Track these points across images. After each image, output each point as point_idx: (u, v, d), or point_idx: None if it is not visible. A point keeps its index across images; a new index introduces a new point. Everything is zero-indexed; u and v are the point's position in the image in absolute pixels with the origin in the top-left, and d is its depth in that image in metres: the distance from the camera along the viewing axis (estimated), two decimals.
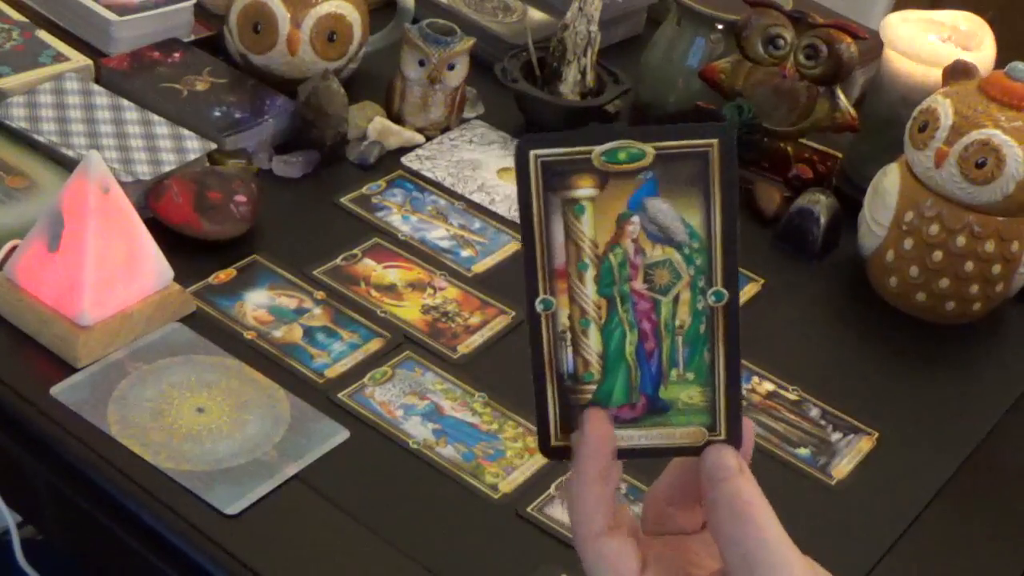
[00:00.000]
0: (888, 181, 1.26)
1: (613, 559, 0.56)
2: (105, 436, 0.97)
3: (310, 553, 0.93)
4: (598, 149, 0.53)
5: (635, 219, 0.54)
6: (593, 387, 0.56)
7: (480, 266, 1.23)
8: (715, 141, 0.53)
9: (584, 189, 0.54)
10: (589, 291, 0.55)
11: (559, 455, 0.57)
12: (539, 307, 0.55)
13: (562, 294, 0.55)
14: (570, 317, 0.56)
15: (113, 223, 1.03)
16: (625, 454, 0.57)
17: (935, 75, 1.29)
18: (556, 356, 0.56)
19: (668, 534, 0.59)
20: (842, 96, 1.36)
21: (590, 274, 0.55)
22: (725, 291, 0.55)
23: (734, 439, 0.56)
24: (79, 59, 1.31)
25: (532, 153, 0.54)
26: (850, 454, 1.11)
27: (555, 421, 0.57)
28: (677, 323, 0.55)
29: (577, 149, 0.54)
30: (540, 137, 0.54)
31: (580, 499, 0.56)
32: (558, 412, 0.57)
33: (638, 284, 0.55)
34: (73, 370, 1.02)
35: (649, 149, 0.53)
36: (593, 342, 0.56)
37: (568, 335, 0.56)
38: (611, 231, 0.54)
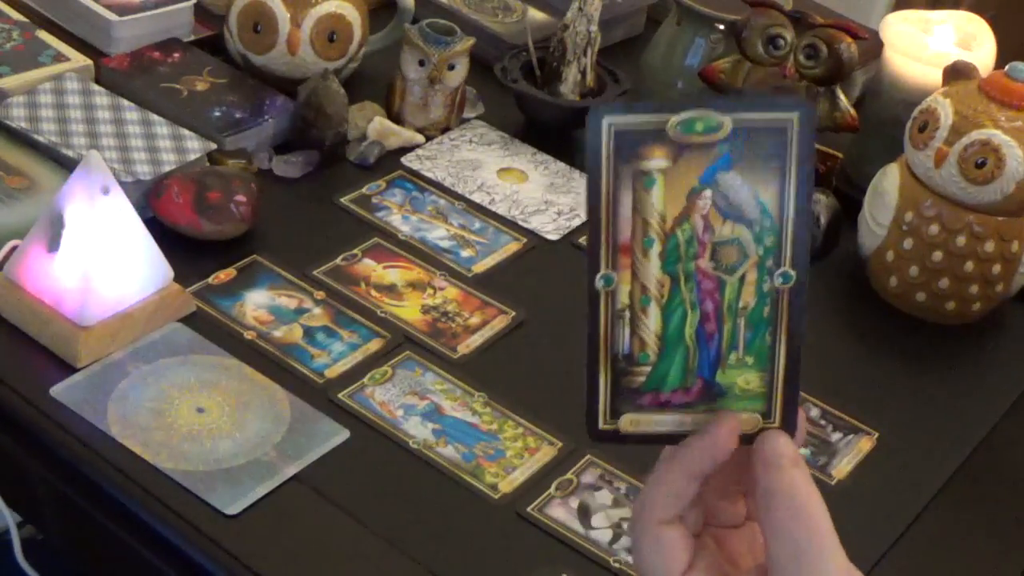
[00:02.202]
0: (888, 181, 1.26)
1: (668, 549, 0.55)
2: (105, 436, 0.97)
3: (310, 553, 0.93)
4: (674, 118, 0.52)
5: (707, 194, 0.52)
6: (648, 368, 0.54)
7: (480, 266, 1.23)
8: (795, 115, 0.52)
9: (656, 160, 0.52)
10: (653, 268, 0.53)
11: (606, 438, 0.56)
12: (600, 283, 0.53)
13: (624, 270, 0.53)
14: (631, 295, 0.54)
15: (113, 223, 1.03)
16: (672, 439, 0.55)
17: (935, 75, 1.29)
18: (612, 335, 0.54)
19: (713, 526, 0.58)
20: (842, 96, 1.36)
21: (655, 250, 0.53)
22: (793, 272, 0.53)
23: (789, 427, 0.55)
24: (79, 59, 1.31)
25: (606, 120, 0.52)
26: (850, 454, 1.11)
27: (605, 403, 0.55)
28: (741, 304, 0.53)
29: (652, 118, 0.52)
30: (615, 105, 0.52)
31: (667, 484, 0.54)
32: (609, 394, 0.55)
33: (704, 262, 0.53)
34: (73, 370, 1.02)
35: (727, 120, 0.52)
36: (652, 321, 0.54)
37: (627, 313, 0.54)
38: (681, 206, 0.53)
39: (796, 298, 0.53)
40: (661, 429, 0.55)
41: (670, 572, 0.55)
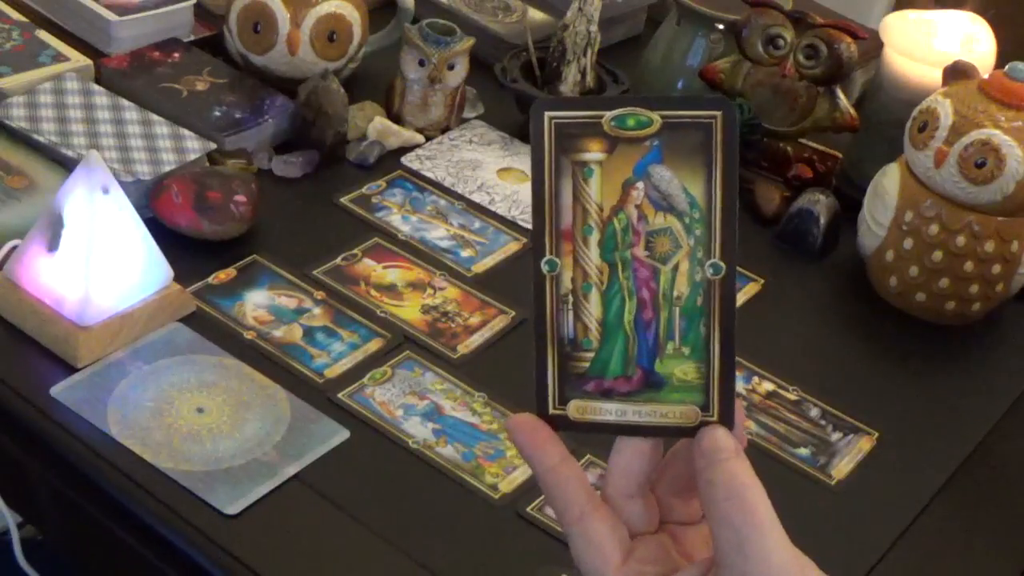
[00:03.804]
0: (888, 181, 1.26)
1: (599, 539, 0.56)
2: (105, 436, 0.97)
3: (310, 553, 0.93)
4: (608, 114, 0.55)
5: (640, 185, 0.56)
6: (591, 355, 0.57)
7: (480, 266, 1.23)
8: (718, 113, 0.55)
9: (593, 153, 0.56)
10: (593, 255, 0.56)
11: (558, 425, 0.58)
12: (545, 268, 0.56)
13: (567, 256, 0.56)
14: (573, 280, 0.56)
15: (113, 223, 1.03)
16: (617, 430, 0.57)
17: (935, 75, 1.29)
18: (558, 319, 0.57)
19: (670, 523, 0.59)
20: (842, 96, 1.36)
21: (594, 238, 0.56)
22: (723, 263, 0.55)
23: (727, 420, 0.56)
24: (79, 59, 1.31)
25: (547, 115, 0.56)
26: (850, 454, 1.11)
27: (553, 389, 0.57)
28: (675, 294, 0.56)
29: (589, 113, 0.56)
30: (555, 100, 0.56)
31: (549, 491, 0.57)
32: (557, 380, 0.57)
33: (639, 251, 0.56)
34: (73, 370, 1.02)
35: (656, 117, 0.55)
36: (594, 307, 0.57)
37: (570, 298, 0.57)
38: (617, 196, 0.56)
39: (727, 289, 0.56)
40: (607, 418, 0.57)
41: (605, 565, 0.56)
